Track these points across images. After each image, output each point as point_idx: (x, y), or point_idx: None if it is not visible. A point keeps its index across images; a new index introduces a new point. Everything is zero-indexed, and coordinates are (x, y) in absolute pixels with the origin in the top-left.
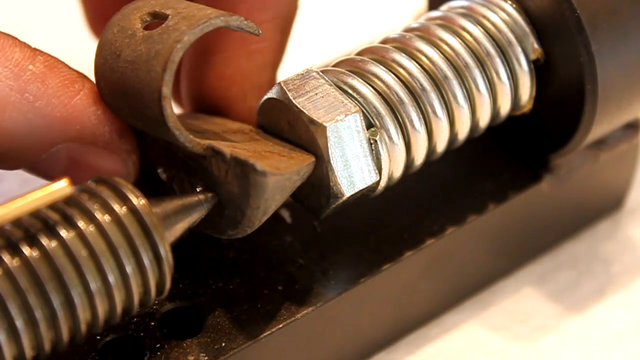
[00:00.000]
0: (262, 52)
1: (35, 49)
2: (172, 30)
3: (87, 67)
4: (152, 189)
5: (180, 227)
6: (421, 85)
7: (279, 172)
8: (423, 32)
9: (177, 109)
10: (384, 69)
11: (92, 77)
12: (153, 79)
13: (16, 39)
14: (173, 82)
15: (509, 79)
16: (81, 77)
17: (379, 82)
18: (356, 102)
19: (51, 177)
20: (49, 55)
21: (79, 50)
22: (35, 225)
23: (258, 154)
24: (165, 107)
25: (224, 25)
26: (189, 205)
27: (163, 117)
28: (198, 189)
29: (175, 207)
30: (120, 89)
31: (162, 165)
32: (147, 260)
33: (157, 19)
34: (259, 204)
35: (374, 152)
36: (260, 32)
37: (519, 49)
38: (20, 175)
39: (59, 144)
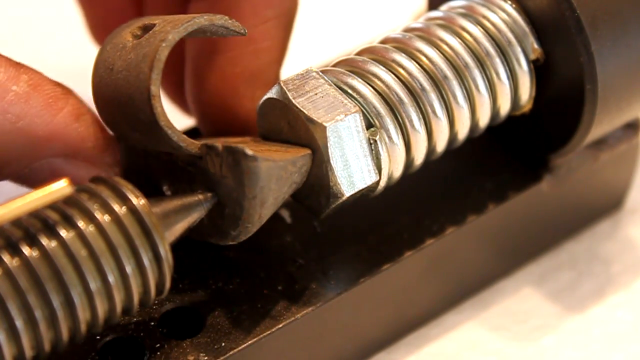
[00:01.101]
0: (268, 50)
1: (19, 66)
2: (158, 33)
3: (87, 69)
4: None
5: (180, 227)
6: (421, 85)
7: (272, 158)
8: (423, 32)
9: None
10: (384, 69)
11: (89, 81)
12: (142, 80)
13: (0, 56)
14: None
15: (508, 79)
16: (65, 94)
17: (378, 82)
18: (356, 102)
19: (34, 187)
20: (33, 72)
21: (78, 51)
22: (35, 225)
23: (252, 147)
24: (156, 106)
25: (207, 23)
26: (188, 205)
27: (154, 116)
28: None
29: (174, 207)
30: (115, 102)
31: (167, 182)
32: (147, 260)
33: (147, 30)
34: (254, 193)
35: (373, 152)
36: (247, 31)
37: (518, 49)
38: None
39: (42, 159)
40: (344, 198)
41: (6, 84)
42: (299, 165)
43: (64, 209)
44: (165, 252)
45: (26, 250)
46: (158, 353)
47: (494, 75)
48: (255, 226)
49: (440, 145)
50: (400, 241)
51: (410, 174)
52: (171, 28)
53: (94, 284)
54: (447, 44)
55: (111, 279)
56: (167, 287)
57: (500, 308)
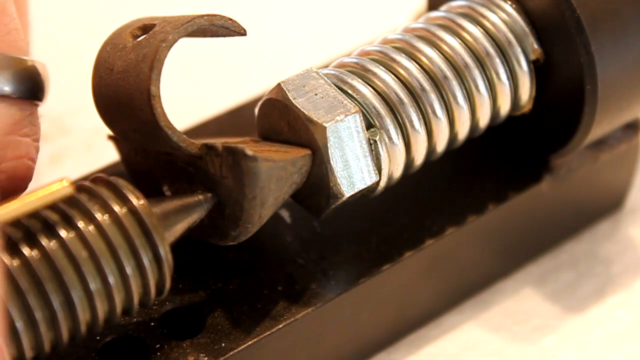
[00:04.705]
0: None
1: None
2: (158, 33)
3: (87, 69)
4: None
5: (180, 228)
6: (421, 85)
7: (272, 158)
8: (423, 32)
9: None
10: (384, 69)
11: (89, 81)
12: (142, 80)
13: None
14: None
15: (508, 79)
16: None
17: (378, 83)
18: (356, 102)
19: None
20: None
21: (78, 51)
22: (35, 226)
23: (252, 147)
24: (156, 106)
25: (207, 24)
26: (188, 205)
27: (154, 117)
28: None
29: (174, 208)
30: (115, 102)
31: (167, 182)
32: (146, 260)
33: (147, 30)
34: (254, 193)
35: (373, 152)
36: (247, 32)
37: (518, 49)
38: None
39: None
40: (344, 198)
41: None
42: (299, 165)
43: (64, 209)
44: (165, 252)
45: (26, 250)
46: (158, 353)
47: (494, 76)
48: (255, 226)
49: (440, 145)
50: (401, 241)
51: (410, 174)
52: (171, 28)
53: (94, 285)
54: (447, 44)
55: (111, 279)
56: (167, 288)
57: (500, 308)
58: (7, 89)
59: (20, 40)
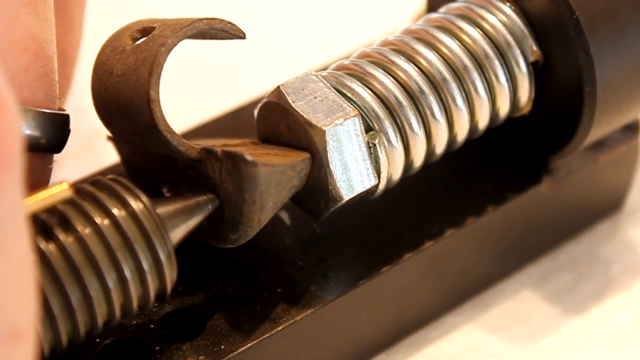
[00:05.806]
0: None
1: None
2: (158, 37)
3: (86, 69)
4: None
5: (181, 230)
6: (420, 87)
7: (271, 163)
8: (421, 35)
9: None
10: (383, 71)
11: (88, 83)
12: (142, 84)
13: None
14: None
15: (507, 81)
16: None
17: (377, 85)
18: (355, 105)
19: None
20: None
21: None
22: (34, 229)
23: (252, 151)
24: (155, 110)
25: (207, 27)
26: (190, 206)
27: (154, 121)
28: None
29: (176, 210)
30: (114, 104)
31: (167, 185)
32: (146, 264)
33: (146, 33)
34: (254, 198)
35: (372, 155)
36: (246, 35)
37: (517, 51)
38: None
39: None
40: (343, 202)
41: None
42: (298, 169)
43: (63, 212)
44: (165, 255)
45: None
46: (158, 356)
47: (493, 78)
48: (254, 230)
49: (439, 147)
50: (400, 243)
51: (409, 176)
52: (170, 32)
53: (92, 288)
54: (445, 46)
55: (110, 283)
56: (168, 291)
57: (500, 310)
58: (30, 136)
59: (53, 86)
